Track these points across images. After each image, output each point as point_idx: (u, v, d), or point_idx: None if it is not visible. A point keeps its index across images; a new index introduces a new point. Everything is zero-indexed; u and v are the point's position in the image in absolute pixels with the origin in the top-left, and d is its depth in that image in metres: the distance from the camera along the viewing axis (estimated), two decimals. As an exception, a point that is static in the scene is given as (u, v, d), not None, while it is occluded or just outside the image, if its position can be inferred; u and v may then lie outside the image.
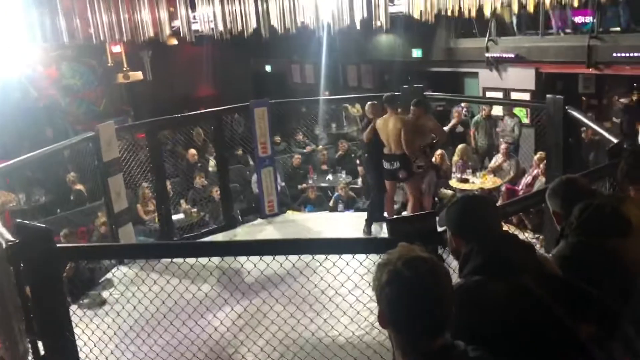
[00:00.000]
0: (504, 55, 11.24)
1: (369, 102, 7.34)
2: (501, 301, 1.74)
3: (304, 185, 10.26)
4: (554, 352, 1.71)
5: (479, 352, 1.54)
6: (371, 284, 1.56)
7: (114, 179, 6.56)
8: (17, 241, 2.72)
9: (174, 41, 12.07)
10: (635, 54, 9.14)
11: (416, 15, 8.23)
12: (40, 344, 2.90)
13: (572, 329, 1.75)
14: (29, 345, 3.66)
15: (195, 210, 8.82)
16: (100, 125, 6.53)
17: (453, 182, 8.91)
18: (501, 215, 2.26)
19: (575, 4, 7.06)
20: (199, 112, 8.45)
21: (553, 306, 1.76)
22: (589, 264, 2.09)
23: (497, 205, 2.73)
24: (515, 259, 1.83)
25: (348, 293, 4.89)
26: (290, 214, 8.62)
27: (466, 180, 8.80)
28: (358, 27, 8.56)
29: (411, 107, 7.05)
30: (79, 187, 8.95)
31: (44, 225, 2.78)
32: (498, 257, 1.83)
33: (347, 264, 3.26)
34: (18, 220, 2.91)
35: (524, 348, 1.69)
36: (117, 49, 13.23)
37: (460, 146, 9.51)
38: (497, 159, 9.17)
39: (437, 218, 2.28)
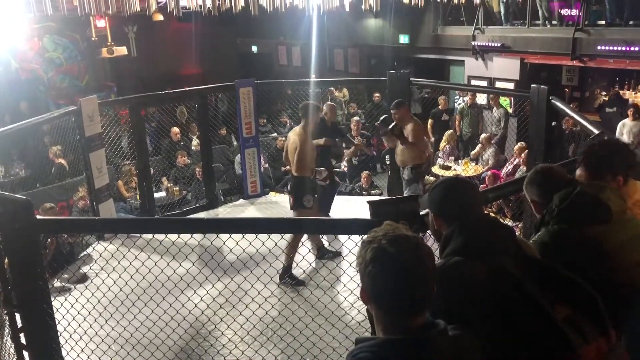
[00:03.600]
0: (490, 44, 11.29)
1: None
2: (480, 282, 1.77)
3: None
4: (529, 333, 1.75)
5: (458, 332, 1.58)
6: (354, 262, 1.58)
7: (95, 154, 6.50)
8: (-3, 212, 2.70)
9: (160, 17, 11.89)
10: (619, 48, 9.24)
11: (405, 0, 8.22)
12: (17, 316, 2.88)
13: (548, 310, 1.78)
14: (6, 317, 3.65)
15: (177, 188, 8.79)
16: (83, 100, 6.45)
17: (435, 169, 9.00)
18: (483, 199, 2.29)
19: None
20: (183, 89, 8.36)
21: (530, 288, 1.80)
22: (569, 250, 2.13)
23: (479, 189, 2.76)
24: (495, 241, 1.86)
25: (329, 273, 4.95)
26: (273, 196, 8.62)
27: (448, 168, 8.90)
28: (347, 8, 8.52)
29: (392, 110, 6.40)
30: (61, 161, 8.85)
31: (24, 197, 2.75)
32: (478, 239, 1.85)
33: (329, 244, 3.29)
34: (-2, 190, 2.89)
35: (501, 328, 1.73)
36: (102, 23, 12.99)
37: (448, 132, 9.68)
38: (478, 148, 9.32)
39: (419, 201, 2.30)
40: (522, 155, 7.91)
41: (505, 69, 11.32)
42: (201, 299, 4.70)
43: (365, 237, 1.54)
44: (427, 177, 8.96)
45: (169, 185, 8.89)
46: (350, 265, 4.59)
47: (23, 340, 2.85)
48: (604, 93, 11.93)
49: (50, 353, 2.84)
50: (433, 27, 12.68)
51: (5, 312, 3.04)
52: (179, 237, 3.25)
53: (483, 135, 9.42)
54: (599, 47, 9.54)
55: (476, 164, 9.15)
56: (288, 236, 5.37)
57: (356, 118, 10.80)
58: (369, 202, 2.59)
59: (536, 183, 2.41)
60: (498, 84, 11.34)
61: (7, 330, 3.72)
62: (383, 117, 6.72)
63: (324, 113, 6.73)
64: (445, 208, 1.99)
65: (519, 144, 8.47)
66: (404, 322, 1.49)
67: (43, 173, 9.01)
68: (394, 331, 1.50)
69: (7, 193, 2.78)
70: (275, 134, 11.44)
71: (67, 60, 14.71)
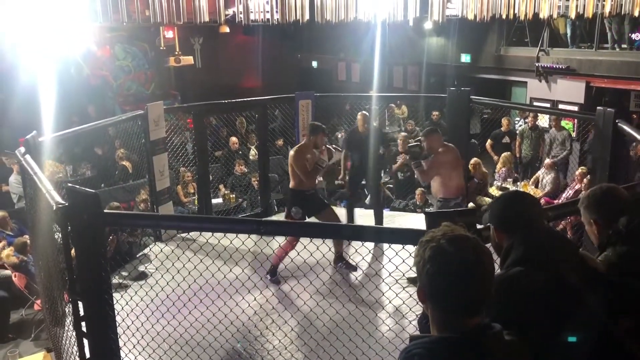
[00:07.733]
0: (555, 66, 11.02)
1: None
2: (539, 292, 1.75)
3: (342, 180, 10.29)
4: (587, 345, 1.71)
5: (514, 338, 1.55)
6: (412, 260, 1.57)
7: (158, 158, 6.74)
8: (67, 204, 2.86)
9: (227, 29, 12.26)
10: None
11: (470, 17, 8.16)
12: (80, 305, 3.02)
13: (608, 324, 1.74)
14: (67, 309, 3.82)
15: (233, 195, 8.97)
16: (150, 105, 6.72)
17: (493, 190, 8.86)
18: (544, 213, 2.24)
19: (636, 13, 6.86)
20: (245, 99, 8.57)
21: (591, 300, 1.76)
22: (638, 272, 2.06)
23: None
24: (556, 253, 1.84)
25: (375, 288, 4.93)
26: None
27: (506, 189, 8.71)
28: (411, 23, 8.52)
29: (421, 138, 5.93)
30: (126, 163, 9.21)
31: (92, 191, 2.90)
32: (539, 250, 1.84)
33: (383, 253, 3.28)
34: (69, 184, 3.04)
35: (558, 339, 1.70)
36: (170, 34, 13.51)
37: (504, 154, 9.48)
38: (540, 172, 9.10)
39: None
40: (584, 180, 7.65)
41: (570, 92, 11.02)
42: (249, 305, 4.78)
43: (423, 237, 1.53)
44: (482, 198, 8.83)
45: (225, 192, 9.09)
46: (396, 281, 4.55)
47: (84, 328, 2.97)
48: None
49: (109, 342, 2.96)
50: (496, 47, 12.52)
51: (68, 301, 3.20)
52: (231, 242, 3.32)
53: (547, 161, 9.17)
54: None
55: (536, 187, 8.92)
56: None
57: (403, 134, 10.66)
58: (426, 213, 2.60)
59: (600, 203, 2.34)
60: (561, 107, 11.04)
61: (68, 320, 3.91)
62: (413, 143, 6.21)
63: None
64: (505, 220, 1.98)
65: (580, 169, 8.20)
66: (460, 322, 1.47)
67: (107, 174, 9.39)
68: (449, 330, 1.48)
69: (77, 186, 2.94)
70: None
71: (136, 68, 15.36)
